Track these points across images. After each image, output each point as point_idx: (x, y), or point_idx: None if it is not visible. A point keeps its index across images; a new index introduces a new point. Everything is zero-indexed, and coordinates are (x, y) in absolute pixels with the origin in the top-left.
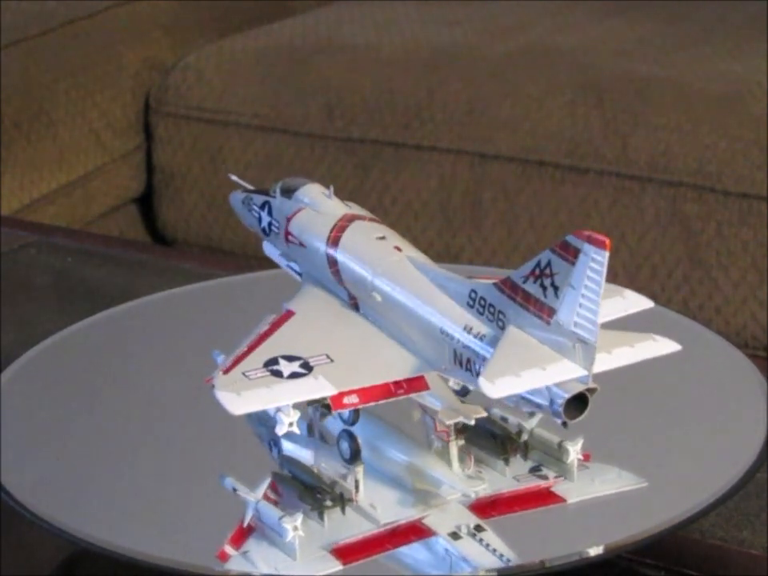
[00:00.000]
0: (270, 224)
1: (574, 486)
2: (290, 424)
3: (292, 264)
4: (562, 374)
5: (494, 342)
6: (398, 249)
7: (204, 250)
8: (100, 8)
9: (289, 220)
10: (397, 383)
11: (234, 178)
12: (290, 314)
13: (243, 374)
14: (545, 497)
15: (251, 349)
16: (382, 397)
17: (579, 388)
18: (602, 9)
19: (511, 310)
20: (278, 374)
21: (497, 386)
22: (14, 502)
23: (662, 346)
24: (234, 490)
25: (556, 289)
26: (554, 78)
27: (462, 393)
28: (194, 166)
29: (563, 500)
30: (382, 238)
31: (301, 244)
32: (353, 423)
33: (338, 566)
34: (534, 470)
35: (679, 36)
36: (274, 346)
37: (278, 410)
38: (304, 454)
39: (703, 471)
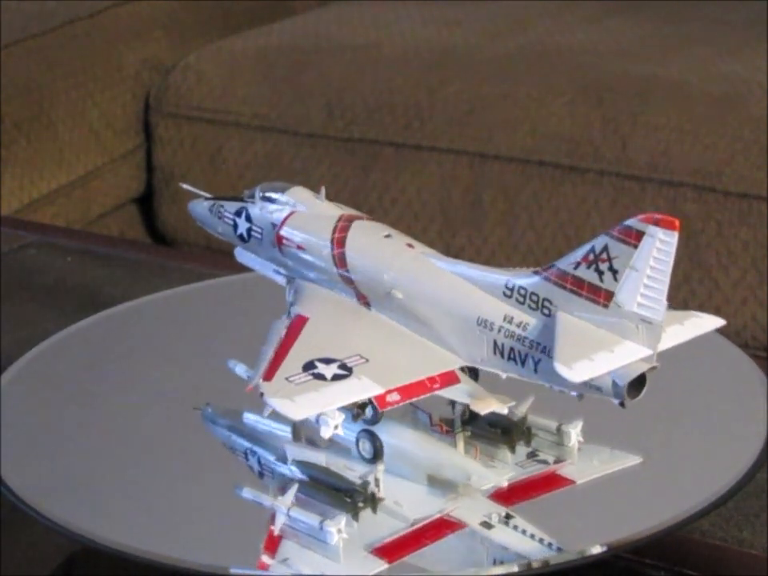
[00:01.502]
0: (249, 230)
1: (577, 468)
2: (336, 426)
3: (280, 269)
4: (629, 355)
5: (543, 330)
6: (410, 246)
7: (204, 250)
8: (100, 8)
9: (280, 224)
10: (431, 378)
11: (186, 186)
12: (303, 318)
13: (286, 379)
14: (555, 480)
15: (280, 355)
16: (420, 393)
17: (642, 368)
18: (601, 9)
19: (560, 297)
20: (320, 377)
21: (575, 370)
22: (18, 500)
23: (708, 323)
24: (256, 500)
25: (615, 272)
26: (554, 78)
27: None
28: (194, 166)
29: (573, 482)
30: (389, 236)
31: (299, 247)
32: (375, 423)
33: (384, 566)
34: (532, 456)
35: (679, 36)
36: (304, 351)
37: (321, 413)
38: (316, 458)
39: (703, 471)
